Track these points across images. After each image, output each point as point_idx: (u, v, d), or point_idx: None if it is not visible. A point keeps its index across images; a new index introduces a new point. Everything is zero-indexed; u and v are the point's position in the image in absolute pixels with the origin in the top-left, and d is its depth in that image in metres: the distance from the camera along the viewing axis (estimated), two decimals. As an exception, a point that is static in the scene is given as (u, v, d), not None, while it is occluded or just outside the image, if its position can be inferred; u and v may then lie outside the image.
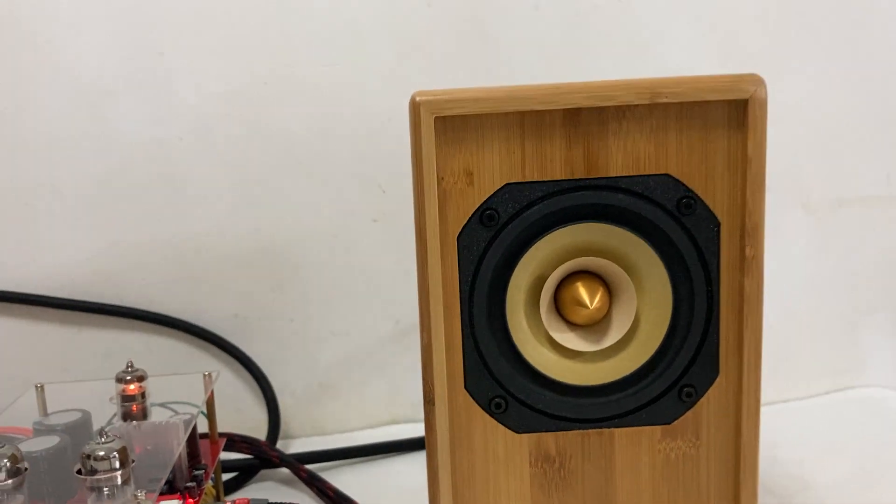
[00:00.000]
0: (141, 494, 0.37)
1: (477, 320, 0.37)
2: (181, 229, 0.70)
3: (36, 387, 0.52)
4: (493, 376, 0.37)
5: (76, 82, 0.67)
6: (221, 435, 0.55)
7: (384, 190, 0.70)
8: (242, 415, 0.71)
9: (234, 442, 0.61)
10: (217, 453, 0.52)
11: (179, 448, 0.46)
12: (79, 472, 0.39)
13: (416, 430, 0.68)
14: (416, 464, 0.65)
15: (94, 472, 0.39)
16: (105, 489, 0.39)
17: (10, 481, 0.39)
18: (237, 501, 0.41)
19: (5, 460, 0.39)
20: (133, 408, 0.49)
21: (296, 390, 0.71)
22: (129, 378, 0.49)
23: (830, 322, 0.75)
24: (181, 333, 0.70)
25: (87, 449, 0.39)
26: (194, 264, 0.70)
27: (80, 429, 0.47)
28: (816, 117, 0.72)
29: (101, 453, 0.39)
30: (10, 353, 0.69)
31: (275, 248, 0.71)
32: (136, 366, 0.54)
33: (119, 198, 0.69)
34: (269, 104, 0.68)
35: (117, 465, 0.39)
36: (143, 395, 0.49)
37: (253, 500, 0.42)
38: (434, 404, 0.37)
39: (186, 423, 0.47)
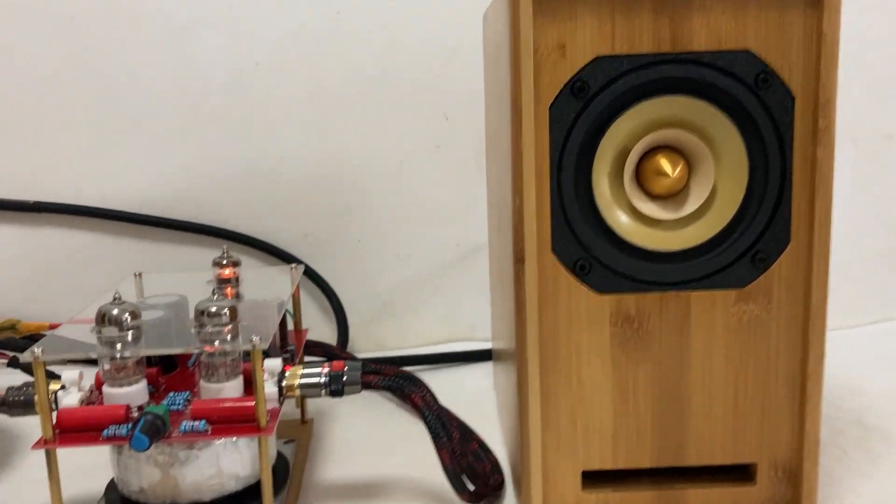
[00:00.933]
0: (256, 339, 0.40)
1: (564, 187, 0.40)
2: (256, 154, 0.74)
3: (135, 275, 0.56)
4: (578, 240, 0.40)
5: (159, 15, 0.71)
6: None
7: (447, 117, 0.73)
8: (311, 332, 0.75)
9: (307, 346, 0.65)
10: (302, 341, 0.56)
11: (276, 322, 0.49)
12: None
13: (473, 347, 0.71)
14: (476, 372, 0.68)
15: (206, 326, 0.42)
16: (216, 343, 0.43)
17: (129, 333, 0.42)
18: (334, 364, 0.45)
19: (126, 314, 0.42)
20: (228, 291, 0.52)
21: (360, 309, 0.75)
22: (224, 262, 0.52)
23: (874, 255, 0.77)
24: (255, 251, 0.74)
25: (201, 305, 0.43)
26: (268, 187, 0.74)
27: (179, 308, 0.50)
28: (869, 53, 0.74)
29: (214, 309, 0.43)
30: (91, 265, 0.74)
31: (343, 173, 0.74)
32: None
33: (197, 123, 0.73)
34: (340, 35, 0.71)
35: (228, 320, 0.43)
36: (237, 279, 0.53)
37: (349, 363, 0.45)
38: (524, 263, 0.40)
39: (280, 304, 0.51)
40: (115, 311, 0.42)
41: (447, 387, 0.60)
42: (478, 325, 0.76)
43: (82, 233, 0.74)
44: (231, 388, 0.43)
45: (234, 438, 0.44)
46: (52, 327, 0.61)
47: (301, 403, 0.58)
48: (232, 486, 0.45)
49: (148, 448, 0.38)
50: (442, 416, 0.42)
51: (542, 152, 0.39)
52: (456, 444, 0.42)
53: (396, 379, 0.43)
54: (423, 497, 0.48)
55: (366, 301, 0.75)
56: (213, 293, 0.44)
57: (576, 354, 0.41)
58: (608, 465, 0.42)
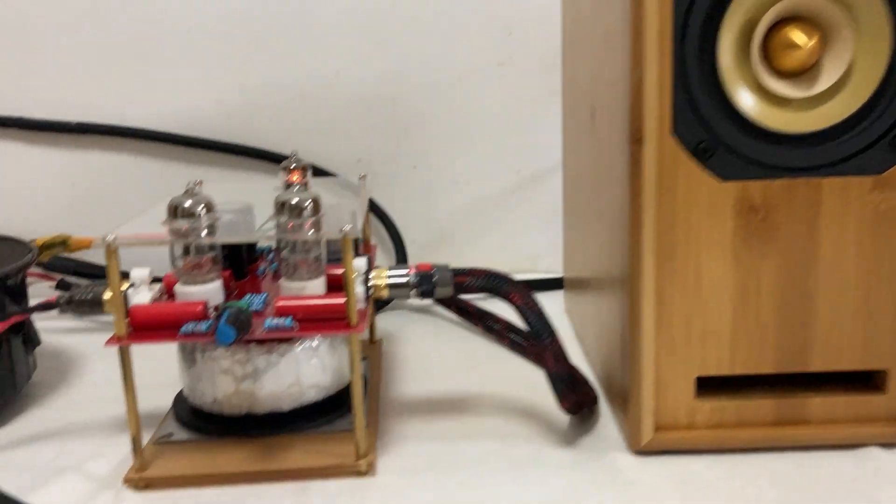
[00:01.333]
0: (346, 226, 0.37)
1: (688, 62, 0.36)
2: (309, 72, 0.70)
3: (195, 182, 0.52)
4: (701, 120, 0.36)
5: None
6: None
7: (511, 32, 0.69)
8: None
9: (369, 269, 0.62)
10: (373, 255, 0.53)
11: (360, 221, 0.46)
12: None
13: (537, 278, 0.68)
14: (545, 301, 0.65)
15: (288, 219, 0.39)
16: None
17: (205, 225, 0.39)
18: (420, 265, 0.41)
19: (201, 206, 0.39)
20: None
21: (416, 238, 0.71)
22: (293, 167, 0.49)
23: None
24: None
25: (282, 197, 0.40)
26: (320, 107, 0.70)
27: (246, 214, 0.47)
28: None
29: (296, 200, 0.39)
30: (136, 189, 0.70)
31: (400, 93, 0.70)
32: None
33: (249, 40, 0.69)
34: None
35: (311, 213, 0.39)
36: (305, 186, 0.50)
37: (435, 264, 0.42)
38: (642, 144, 0.36)
39: (352, 212, 0.48)
40: (189, 203, 0.39)
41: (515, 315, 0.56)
42: (540, 257, 0.72)
43: (127, 156, 0.70)
44: (314, 287, 0.40)
45: (315, 344, 0.41)
46: (105, 243, 0.58)
47: (370, 323, 0.55)
48: (311, 395, 0.42)
49: (233, 342, 0.35)
50: (544, 316, 0.38)
51: (664, 21, 0.36)
52: (559, 346, 0.38)
53: (492, 278, 0.39)
54: (513, 412, 0.45)
55: (421, 230, 0.72)
56: (293, 185, 0.41)
57: (694, 249, 0.38)
58: (724, 371, 0.39)
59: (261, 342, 0.40)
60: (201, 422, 0.42)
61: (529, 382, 0.49)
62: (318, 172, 0.70)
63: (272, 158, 0.70)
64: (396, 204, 0.71)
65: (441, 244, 0.73)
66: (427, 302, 0.64)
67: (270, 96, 0.70)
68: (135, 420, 0.38)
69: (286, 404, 0.42)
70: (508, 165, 0.72)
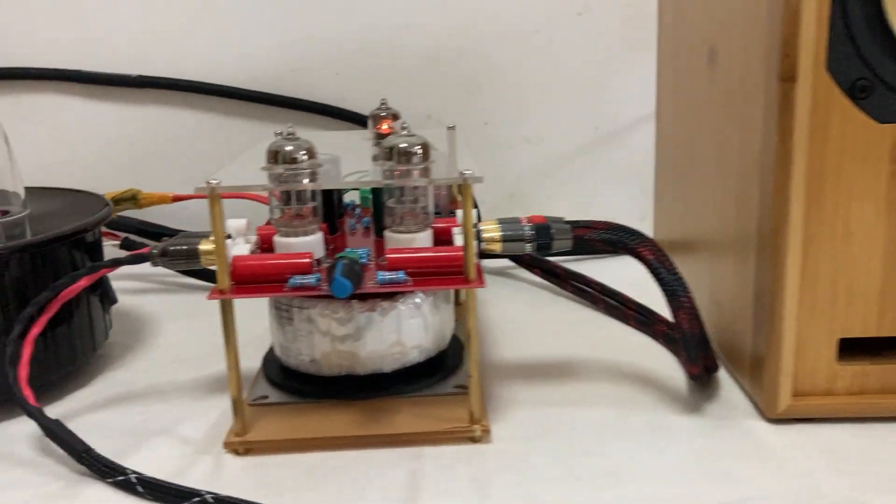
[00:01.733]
0: (468, 171, 0.34)
1: (846, -12, 0.33)
2: (374, 23, 0.66)
3: (275, 134, 0.49)
4: (859, 55, 0.33)
5: None
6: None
7: (591, -20, 0.65)
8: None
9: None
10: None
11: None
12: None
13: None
14: (625, 266, 0.61)
15: (395, 164, 0.36)
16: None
17: (307, 171, 0.36)
18: (531, 217, 0.39)
19: (302, 151, 0.36)
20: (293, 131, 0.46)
21: (485, 198, 0.68)
22: (383, 115, 0.46)
23: None
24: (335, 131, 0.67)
25: (389, 141, 0.37)
26: (387, 60, 0.67)
27: (334, 164, 0.44)
28: None
29: (405, 144, 0.36)
30: (195, 146, 0.68)
31: (471, 45, 0.67)
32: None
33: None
34: None
35: (421, 158, 0.36)
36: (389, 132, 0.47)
37: (548, 216, 0.39)
38: (795, 81, 0.33)
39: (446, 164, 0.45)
40: (290, 147, 0.36)
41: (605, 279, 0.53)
42: (618, 219, 0.69)
43: (185, 110, 0.67)
44: (423, 240, 0.37)
45: (418, 300, 0.39)
46: (177, 199, 0.55)
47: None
48: (414, 356, 0.40)
49: (349, 295, 0.32)
50: (678, 273, 0.35)
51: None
52: (694, 305, 0.35)
53: (616, 231, 0.36)
54: (622, 377, 0.42)
55: (492, 189, 0.69)
56: (401, 127, 0.37)
57: (844, 199, 0.34)
58: (871, 333, 0.36)
59: (363, 299, 0.38)
60: (297, 383, 0.40)
61: (631, 346, 0.46)
62: (385, 129, 0.67)
63: (336, 114, 0.67)
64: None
65: (512, 205, 0.70)
66: (502, 262, 0.61)
67: (334, 49, 0.67)
68: (236, 380, 0.35)
69: (388, 365, 0.39)
70: (585, 122, 0.68)
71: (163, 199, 0.54)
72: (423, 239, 0.37)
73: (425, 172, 0.36)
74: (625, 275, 0.53)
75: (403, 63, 0.67)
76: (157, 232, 0.59)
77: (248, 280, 0.35)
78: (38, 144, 0.68)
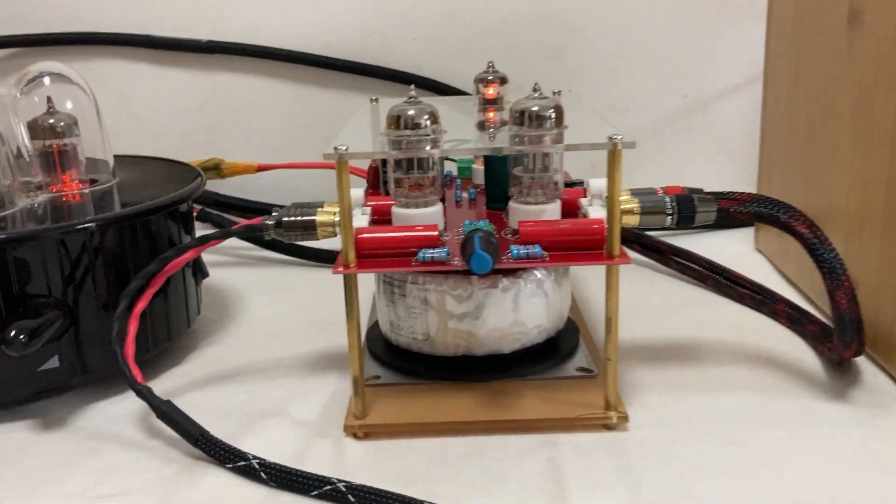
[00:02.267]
0: (617, 135, 0.31)
1: None
2: (453, -16, 0.64)
3: (371, 100, 0.47)
4: None
5: None
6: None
7: (685, -61, 0.61)
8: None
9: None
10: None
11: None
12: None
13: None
14: (723, 239, 0.59)
15: (525, 128, 0.34)
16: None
17: (430, 137, 0.33)
18: (668, 188, 0.36)
19: (426, 116, 0.34)
20: (490, 117, 0.43)
21: (567, 169, 0.65)
22: (490, 78, 0.43)
23: None
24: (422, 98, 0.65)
25: (519, 105, 0.34)
26: (466, 26, 0.64)
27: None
28: None
29: (536, 108, 0.34)
30: (267, 114, 0.65)
31: (555, 9, 0.64)
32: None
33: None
34: None
35: (554, 123, 0.34)
36: (502, 101, 0.44)
37: (686, 187, 0.36)
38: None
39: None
40: (412, 112, 0.34)
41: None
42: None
43: (257, 77, 0.65)
44: (552, 211, 0.35)
45: (540, 277, 0.36)
46: (262, 169, 0.53)
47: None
48: (534, 336, 0.37)
49: (490, 270, 0.30)
50: (835, 250, 0.33)
51: None
52: (852, 284, 0.32)
53: (766, 203, 0.33)
54: (756, 361, 0.39)
55: (573, 158, 0.66)
56: (534, 89, 0.34)
57: None
58: None
59: (483, 275, 0.35)
60: (408, 362, 0.37)
61: (751, 327, 0.43)
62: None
63: (413, 81, 0.64)
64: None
65: (595, 175, 0.66)
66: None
67: (412, 12, 0.64)
68: (358, 360, 0.33)
69: (508, 346, 0.37)
70: (673, 90, 0.65)
71: (247, 169, 0.51)
72: (553, 211, 0.35)
73: (558, 138, 0.34)
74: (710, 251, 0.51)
75: (483, 28, 0.64)
76: (235, 204, 0.57)
77: (372, 254, 0.32)
78: (107, 111, 0.66)
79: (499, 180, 0.39)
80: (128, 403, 0.37)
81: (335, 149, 0.31)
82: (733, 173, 0.64)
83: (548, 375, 0.37)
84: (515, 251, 0.32)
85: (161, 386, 0.39)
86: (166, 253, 0.35)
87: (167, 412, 0.32)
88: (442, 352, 0.37)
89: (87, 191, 0.41)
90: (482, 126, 0.42)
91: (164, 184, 0.43)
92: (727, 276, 0.48)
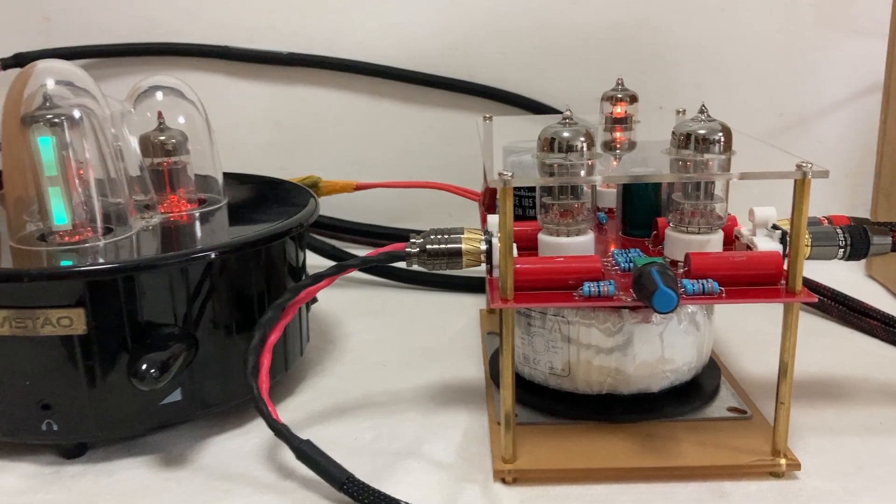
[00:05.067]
0: (807, 164, 0.29)
1: None
2: (543, -2, 0.62)
3: (484, 118, 0.45)
4: None
5: None
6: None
7: (785, -47, 0.59)
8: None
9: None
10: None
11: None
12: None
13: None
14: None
15: (689, 152, 0.31)
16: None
17: (587, 162, 0.31)
18: (833, 217, 0.33)
19: (581, 139, 0.32)
20: (618, 136, 0.41)
21: (655, 189, 0.63)
22: (619, 97, 0.41)
23: None
24: (531, 115, 0.63)
25: (683, 127, 0.32)
26: (554, 38, 0.62)
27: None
28: None
29: (704, 131, 0.32)
30: (345, 127, 0.63)
31: (648, 22, 0.62)
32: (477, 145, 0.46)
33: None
34: None
35: (722, 148, 0.31)
36: (630, 120, 0.42)
37: (850, 216, 0.34)
38: None
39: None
40: (567, 134, 0.32)
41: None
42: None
43: (337, 91, 0.63)
44: (716, 242, 0.33)
45: (691, 311, 0.34)
46: (359, 188, 0.51)
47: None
48: (683, 374, 0.35)
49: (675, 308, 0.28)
50: None
51: None
52: None
53: (946, 236, 0.31)
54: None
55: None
56: (702, 109, 0.32)
57: None
58: None
59: (633, 308, 0.33)
60: (545, 400, 0.35)
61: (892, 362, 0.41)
62: (552, 113, 0.62)
63: (498, 96, 0.62)
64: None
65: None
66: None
67: (497, 26, 0.62)
68: (511, 402, 0.31)
69: (656, 384, 0.34)
70: (769, 106, 0.62)
71: (345, 188, 0.49)
72: (717, 242, 0.32)
73: (726, 164, 0.32)
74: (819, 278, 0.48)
75: (572, 40, 0.62)
76: (330, 224, 0.55)
77: (531, 286, 0.30)
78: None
79: (642, 206, 0.36)
80: (248, 438, 0.35)
81: (499, 175, 0.29)
82: (834, 194, 0.61)
83: (698, 416, 0.34)
84: (690, 287, 0.30)
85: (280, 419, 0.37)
86: (302, 282, 0.33)
87: (308, 454, 0.30)
88: (584, 389, 0.35)
89: (196, 212, 0.39)
90: (609, 146, 0.40)
91: (274, 205, 0.41)
92: (853, 307, 0.45)
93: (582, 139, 0.31)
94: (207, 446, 0.35)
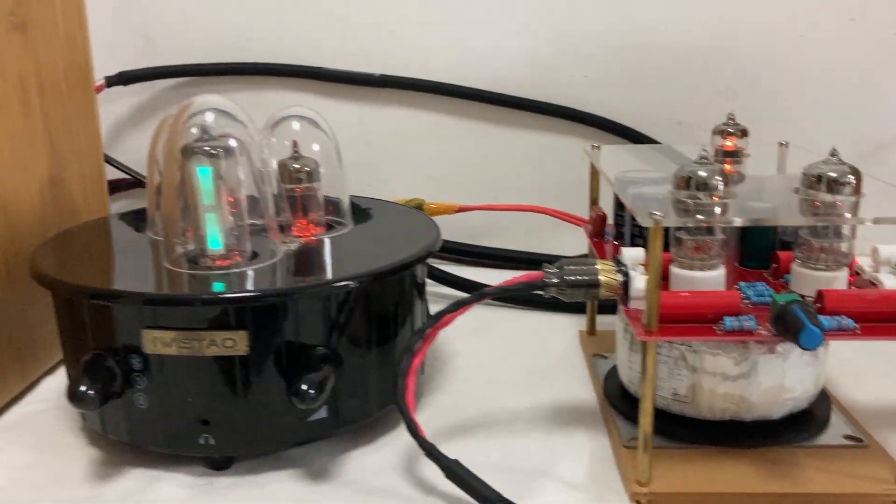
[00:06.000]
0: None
1: None
2: (628, 23, 0.63)
3: (592, 147, 0.47)
4: None
5: None
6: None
7: (870, -18, 0.60)
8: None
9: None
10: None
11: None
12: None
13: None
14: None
15: (820, 193, 0.33)
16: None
17: (722, 202, 0.33)
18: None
19: (716, 178, 0.33)
20: (728, 167, 0.42)
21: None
22: (730, 131, 0.43)
23: None
24: (614, 137, 0.64)
25: (815, 169, 0.33)
26: (640, 62, 0.64)
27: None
28: None
29: (835, 174, 0.33)
30: (434, 149, 0.65)
31: (731, 47, 0.63)
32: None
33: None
34: None
35: (853, 190, 0.33)
36: (739, 154, 0.43)
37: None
38: None
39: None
40: (704, 173, 0.33)
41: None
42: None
43: (426, 112, 0.65)
44: (843, 280, 0.34)
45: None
46: (461, 210, 0.53)
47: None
48: (802, 402, 0.36)
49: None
50: None
51: None
52: None
53: None
54: None
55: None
56: (832, 153, 0.34)
57: None
58: None
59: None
60: (667, 424, 0.36)
61: None
62: (634, 137, 0.64)
63: (582, 119, 0.64)
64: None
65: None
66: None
67: (582, 49, 0.63)
68: (649, 428, 0.32)
69: (777, 411, 0.36)
70: (845, 135, 0.64)
71: (447, 210, 0.51)
72: (843, 279, 0.34)
73: (853, 207, 0.33)
74: None
75: (657, 64, 0.63)
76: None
77: (672, 319, 0.32)
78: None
79: (762, 240, 0.38)
80: (383, 453, 0.37)
81: (651, 214, 0.30)
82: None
83: (815, 443, 0.36)
84: (826, 323, 0.31)
85: (405, 436, 0.38)
86: (444, 308, 0.35)
87: (458, 473, 0.32)
88: (706, 415, 0.36)
89: (328, 236, 0.41)
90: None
91: (397, 229, 0.43)
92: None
93: (718, 178, 0.33)
94: (346, 461, 0.37)
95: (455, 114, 0.65)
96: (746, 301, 0.34)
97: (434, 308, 0.38)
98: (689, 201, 0.33)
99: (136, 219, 0.45)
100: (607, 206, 0.45)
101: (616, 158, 0.46)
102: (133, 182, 0.65)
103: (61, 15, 0.47)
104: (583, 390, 0.43)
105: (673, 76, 0.63)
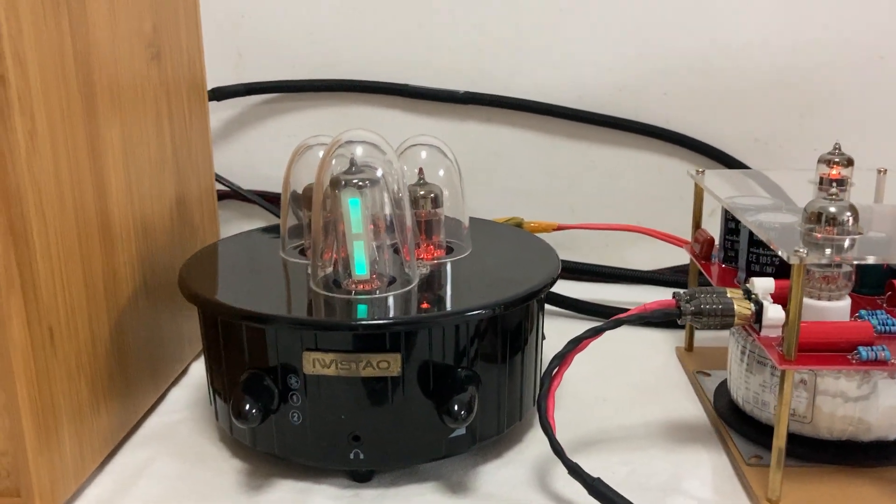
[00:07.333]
0: None
1: None
2: (710, 42, 0.64)
3: (697, 170, 0.48)
4: None
5: None
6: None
7: (951, 4, 0.62)
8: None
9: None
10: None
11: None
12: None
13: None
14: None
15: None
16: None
17: (852, 237, 0.35)
18: None
19: (847, 214, 0.35)
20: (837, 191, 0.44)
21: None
22: (836, 160, 0.44)
23: None
24: (693, 154, 0.66)
25: (814, 206, 0.35)
26: (719, 80, 0.65)
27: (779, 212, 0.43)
28: None
29: (833, 210, 0.35)
30: (516, 166, 0.67)
31: (812, 67, 0.64)
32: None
33: (643, 5, 0.64)
34: None
35: (850, 225, 0.35)
36: (845, 182, 0.45)
37: None
38: None
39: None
40: (834, 209, 0.35)
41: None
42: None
43: (509, 128, 0.67)
44: (967, 310, 0.36)
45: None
46: (560, 228, 0.55)
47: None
48: (915, 424, 0.38)
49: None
50: None
51: None
52: None
53: None
54: None
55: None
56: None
57: None
58: None
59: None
60: (789, 444, 0.38)
61: None
62: (712, 154, 0.66)
63: (663, 136, 0.65)
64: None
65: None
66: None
67: (667, 68, 0.65)
68: (782, 444, 0.34)
69: (894, 433, 0.38)
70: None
71: (546, 228, 0.53)
72: (966, 308, 0.36)
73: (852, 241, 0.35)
74: None
75: (737, 83, 0.65)
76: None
77: (809, 347, 0.34)
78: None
79: (876, 269, 0.40)
80: (512, 468, 0.39)
81: (795, 251, 0.32)
82: None
83: (928, 465, 0.38)
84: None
85: (528, 451, 0.41)
86: (582, 333, 0.37)
87: (603, 491, 0.34)
88: (824, 435, 0.38)
89: (449, 259, 0.43)
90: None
91: (516, 252, 0.45)
92: None
93: (848, 214, 0.35)
94: (479, 475, 0.39)
95: (539, 129, 0.67)
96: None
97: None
98: (818, 235, 0.35)
99: (269, 237, 0.48)
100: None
101: (712, 182, 0.48)
102: (227, 194, 0.67)
103: (185, 40, 0.49)
104: (691, 407, 0.45)
105: (752, 94, 0.65)
